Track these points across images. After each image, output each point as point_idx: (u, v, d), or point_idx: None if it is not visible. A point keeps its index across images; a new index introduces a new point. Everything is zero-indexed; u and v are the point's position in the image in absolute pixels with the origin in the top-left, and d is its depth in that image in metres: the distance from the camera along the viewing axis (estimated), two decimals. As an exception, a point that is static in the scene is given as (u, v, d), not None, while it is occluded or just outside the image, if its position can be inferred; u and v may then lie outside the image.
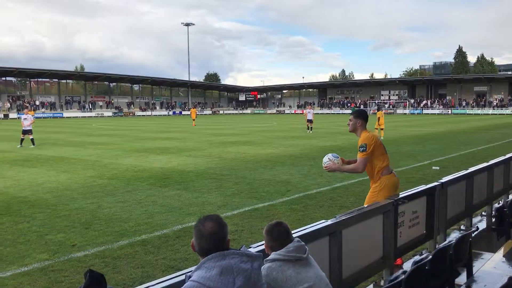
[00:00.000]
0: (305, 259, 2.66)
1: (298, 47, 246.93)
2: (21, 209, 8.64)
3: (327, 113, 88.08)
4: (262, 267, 2.44)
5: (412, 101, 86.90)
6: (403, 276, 3.10)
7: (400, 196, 4.86)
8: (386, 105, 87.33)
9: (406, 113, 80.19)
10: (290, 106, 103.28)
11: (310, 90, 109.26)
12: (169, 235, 6.85)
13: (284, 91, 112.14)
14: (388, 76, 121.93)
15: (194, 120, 44.44)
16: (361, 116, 5.32)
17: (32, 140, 21.85)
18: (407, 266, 4.72)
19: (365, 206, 4.66)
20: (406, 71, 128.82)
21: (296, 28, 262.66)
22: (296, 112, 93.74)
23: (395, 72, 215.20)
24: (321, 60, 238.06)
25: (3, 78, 78.83)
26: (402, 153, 17.42)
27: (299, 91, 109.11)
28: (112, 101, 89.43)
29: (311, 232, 3.52)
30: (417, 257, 4.30)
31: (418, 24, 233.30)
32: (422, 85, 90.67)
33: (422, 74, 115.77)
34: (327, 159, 5.37)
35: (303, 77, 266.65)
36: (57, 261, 5.70)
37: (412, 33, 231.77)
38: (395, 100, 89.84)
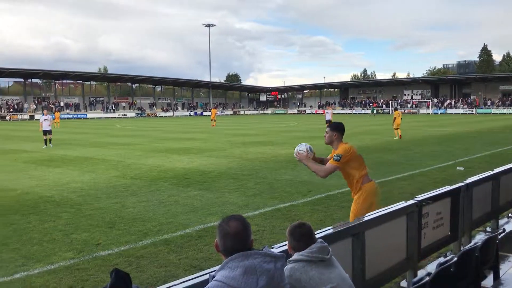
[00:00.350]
0: (328, 260, 2.65)
1: (319, 47, 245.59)
2: (47, 208, 8.82)
3: (348, 113, 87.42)
4: (285, 268, 2.44)
5: (436, 100, 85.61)
6: (427, 278, 3.06)
7: (425, 196, 4.80)
8: (409, 105, 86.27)
9: (429, 113, 79.01)
10: (311, 106, 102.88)
11: (332, 90, 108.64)
12: (191, 234, 6.91)
13: (305, 91, 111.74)
14: (411, 76, 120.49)
15: (214, 120, 44.06)
16: (337, 129, 5.37)
17: (50, 140, 22.34)
18: (432, 268, 4.65)
19: (387, 207, 4.61)
20: (429, 70, 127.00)
21: (317, 28, 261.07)
22: (317, 112, 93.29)
23: (418, 71, 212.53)
24: (342, 59, 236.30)
25: (29, 80, 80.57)
26: (426, 154, 17.19)
27: (320, 91, 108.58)
28: (135, 102, 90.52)
29: (334, 233, 3.50)
30: (441, 259, 4.24)
31: (441, 23, 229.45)
32: (446, 85, 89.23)
33: (445, 73, 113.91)
34: (305, 148, 5.33)
35: (324, 77, 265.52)
36: (82, 259, 5.81)
37: (435, 32, 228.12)
38: (418, 99, 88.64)
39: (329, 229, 3.58)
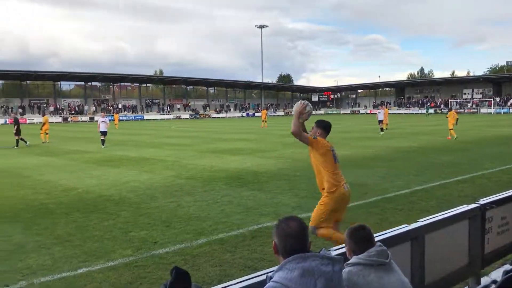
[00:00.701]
0: (388, 264, 2.58)
1: (374, 45, 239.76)
2: (107, 207, 9.16)
3: (405, 113, 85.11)
4: (342, 271, 2.40)
5: (498, 99, 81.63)
6: (493, 286, 2.91)
7: (488, 200, 4.58)
8: (469, 104, 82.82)
9: (491, 113, 75.47)
10: (365, 106, 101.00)
11: (387, 89, 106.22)
12: (245, 234, 6.95)
13: (359, 91, 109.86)
14: (471, 74, 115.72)
15: (265, 121, 44.22)
16: (321, 126, 5.66)
17: (103, 141, 23.44)
18: (497, 275, 4.43)
19: (448, 211, 4.43)
20: (491, 68, 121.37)
21: (372, 26, 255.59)
22: (371, 112, 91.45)
23: (479, 69, 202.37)
24: (398, 58, 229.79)
25: (89, 83, 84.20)
26: (487, 155, 16.43)
27: (375, 91, 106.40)
28: (189, 104, 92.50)
29: (392, 237, 3.41)
30: (507, 266, 4.03)
31: (504, 18, 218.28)
32: (510, 83, 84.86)
33: (509, 71, 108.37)
34: (308, 111, 5.61)
35: (379, 76, 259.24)
36: (140, 257, 5.98)
37: (497, 28, 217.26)
38: (479, 99, 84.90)
39: (386, 233, 3.49)
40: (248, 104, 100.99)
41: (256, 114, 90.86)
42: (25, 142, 24.51)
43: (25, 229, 7.56)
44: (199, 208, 8.85)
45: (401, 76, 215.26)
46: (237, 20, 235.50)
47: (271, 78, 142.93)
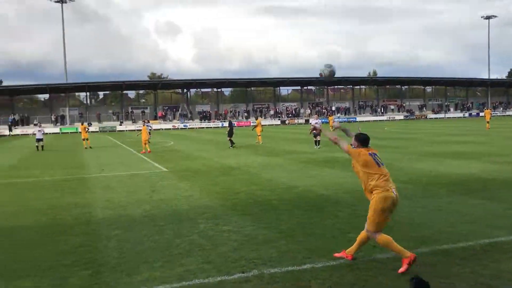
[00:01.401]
0: None
1: None
2: (325, 206, 9.44)
3: None
4: None
5: None
6: None
7: None
8: None
9: None
10: None
11: None
12: (475, 247, 6.34)
13: None
14: None
15: (488, 122, 40.11)
16: (359, 140, 6.00)
17: (318, 142, 24.32)
18: None
19: None
20: None
21: None
22: None
23: None
24: None
25: (305, 88, 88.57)
26: None
27: None
28: (404, 104, 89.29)
29: None
30: None
31: None
32: None
33: None
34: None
35: None
36: (361, 260, 5.96)
37: None
38: None
39: None
40: (471, 103, 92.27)
41: (480, 114, 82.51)
42: (231, 144, 26.25)
43: (254, 222, 8.30)
44: (420, 214, 8.43)
45: None
46: (457, 13, 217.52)
47: (499, 74, 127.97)
